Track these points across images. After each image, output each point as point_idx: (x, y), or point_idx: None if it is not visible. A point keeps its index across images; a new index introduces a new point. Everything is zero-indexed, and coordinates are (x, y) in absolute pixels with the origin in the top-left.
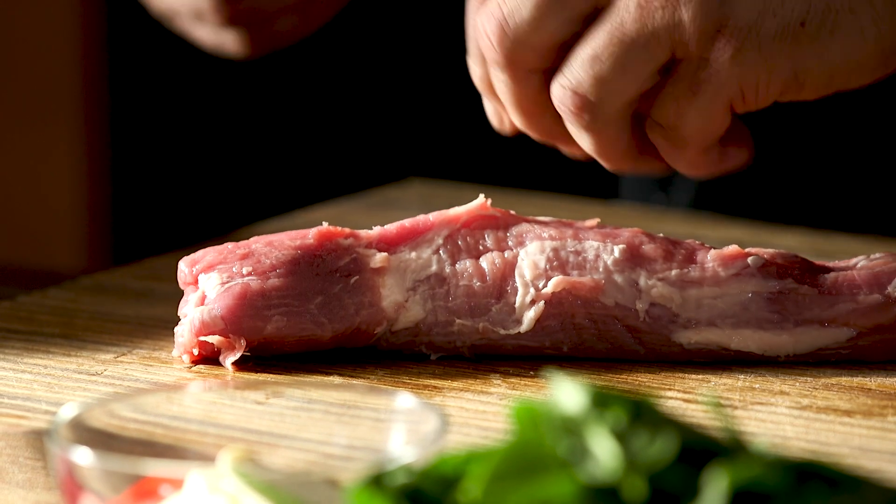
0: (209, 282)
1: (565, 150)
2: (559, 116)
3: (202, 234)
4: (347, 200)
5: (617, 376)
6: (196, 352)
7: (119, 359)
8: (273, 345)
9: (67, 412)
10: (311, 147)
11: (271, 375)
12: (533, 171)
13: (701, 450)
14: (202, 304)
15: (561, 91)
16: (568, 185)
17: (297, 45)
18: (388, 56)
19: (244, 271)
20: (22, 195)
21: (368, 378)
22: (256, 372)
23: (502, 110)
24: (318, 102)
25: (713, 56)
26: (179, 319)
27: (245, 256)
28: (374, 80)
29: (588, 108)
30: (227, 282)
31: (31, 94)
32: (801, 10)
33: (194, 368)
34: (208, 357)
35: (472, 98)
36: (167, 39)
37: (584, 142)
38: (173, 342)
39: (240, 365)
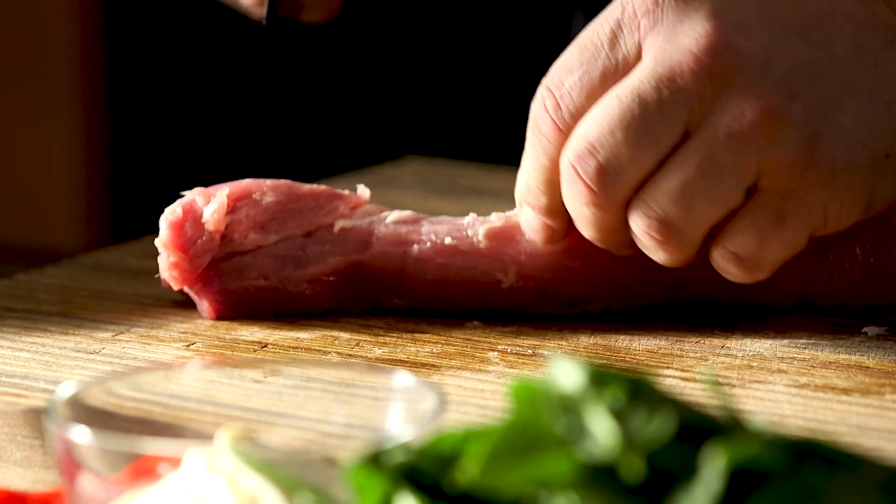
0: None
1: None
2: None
3: None
4: (345, 178)
5: (615, 355)
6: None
7: (117, 337)
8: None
9: (65, 390)
10: (308, 125)
11: (269, 354)
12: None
13: (699, 428)
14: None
15: (646, 221)
16: None
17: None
18: (386, 34)
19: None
20: (21, 173)
21: (366, 356)
22: (254, 350)
23: (556, 226)
24: (315, 80)
25: (803, 188)
26: (178, 296)
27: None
28: (372, 58)
29: (674, 236)
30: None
31: (29, 73)
32: (888, 141)
33: (192, 347)
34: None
35: (470, 76)
36: (166, 19)
37: (657, 257)
38: (171, 320)
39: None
